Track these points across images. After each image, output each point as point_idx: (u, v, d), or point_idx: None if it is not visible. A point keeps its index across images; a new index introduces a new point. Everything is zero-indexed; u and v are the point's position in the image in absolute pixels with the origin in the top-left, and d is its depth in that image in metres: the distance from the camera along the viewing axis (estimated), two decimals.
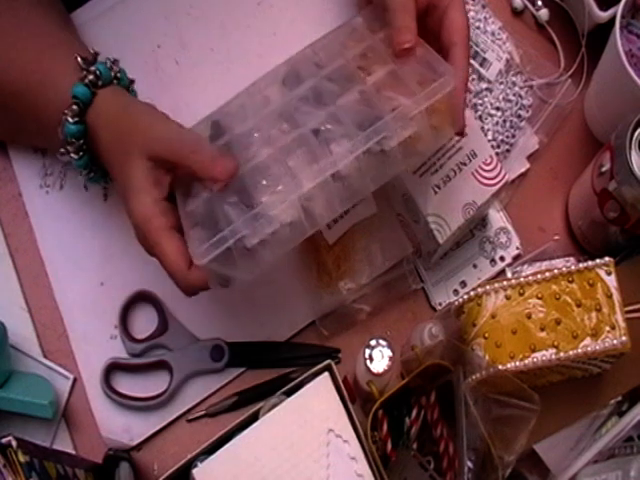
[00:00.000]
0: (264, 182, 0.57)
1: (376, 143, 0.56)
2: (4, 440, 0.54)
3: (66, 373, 0.70)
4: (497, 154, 0.69)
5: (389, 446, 0.61)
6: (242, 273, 0.58)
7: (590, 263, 0.63)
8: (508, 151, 0.75)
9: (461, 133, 0.62)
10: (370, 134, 0.55)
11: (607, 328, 0.62)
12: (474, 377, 0.61)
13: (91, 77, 0.62)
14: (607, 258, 0.63)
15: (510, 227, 0.74)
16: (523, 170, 0.76)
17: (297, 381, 0.62)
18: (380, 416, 0.61)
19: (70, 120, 0.62)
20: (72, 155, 0.64)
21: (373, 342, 0.60)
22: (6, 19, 0.66)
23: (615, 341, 0.61)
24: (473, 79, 0.75)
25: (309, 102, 0.60)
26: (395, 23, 0.60)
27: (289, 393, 0.60)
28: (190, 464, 0.60)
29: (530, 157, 0.76)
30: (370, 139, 0.55)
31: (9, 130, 0.72)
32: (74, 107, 0.61)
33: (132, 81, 0.68)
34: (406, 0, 0.60)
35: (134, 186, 0.58)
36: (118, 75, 0.65)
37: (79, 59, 0.63)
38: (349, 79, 0.60)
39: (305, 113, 0.59)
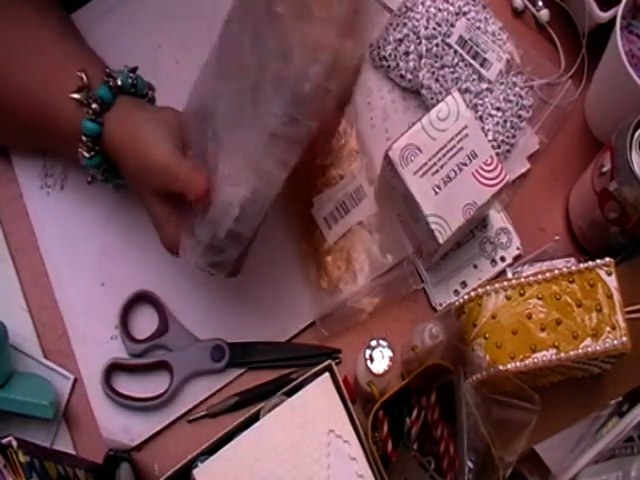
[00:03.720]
0: (219, 170, 0.58)
1: (295, 91, 0.54)
2: (4, 440, 0.54)
3: (66, 373, 0.70)
4: (497, 154, 0.69)
5: (389, 446, 0.61)
6: (233, 252, 0.60)
7: (590, 263, 0.63)
8: (508, 151, 0.75)
9: None
10: (284, 86, 0.54)
11: (607, 328, 0.62)
12: (475, 377, 0.61)
13: (94, 106, 0.62)
14: (607, 258, 0.63)
15: (510, 227, 0.74)
16: (523, 170, 0.76)
17: (298, 382, 0.62)
18: (380, 416, 0.61)
19: (86, 155, 0.63)
20: (98, 177, 0.66)
21: (373, 342, 0.60)
22: (16, 36, 0.66)
23: (615, 341, 0.61)
24: (473, 79, 0.75)
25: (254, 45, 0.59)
26: None
27: (290, 394, 0.60)
28: (191, 464, 0.61)
29: (530, 157, 0.76)
30: (286, 91, 0.54)
31: (27, 140, 0.73)
32: (86, 141, 0.63)
33: (133, 69, 0.67)
34: None
35: (155, 222, 0.64)
36: (119, 84, 0.64)
37: (76, 96, 0.63)
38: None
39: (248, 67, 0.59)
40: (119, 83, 0.64)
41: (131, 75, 0.66)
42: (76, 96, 0.63)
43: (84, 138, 0.63)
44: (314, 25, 0.55)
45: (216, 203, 0.57)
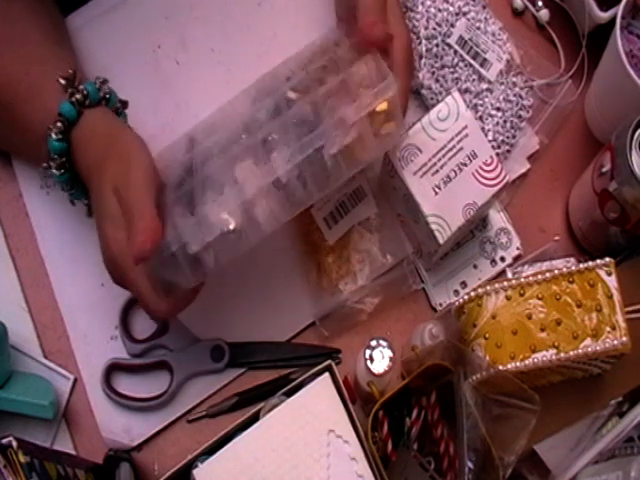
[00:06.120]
0: (209, 191, 0.58)
1: (315, 151, 0.55)
2: (4, 440, 0.54)
3: (66, 373, 0.70)
4: (497, 154, 0.69)
5: (390, 446, 0.61)
6: (188, 278, 0.58)
7: (590, 264, 0.63)
8: (509, 151, 0.75)
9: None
10: (307, 142, 0.55)
11: (607, 329, 0.62)
12: (474, 377, 0.61)
13: (78, 96, 0.62)
14: (607, 259, 0.63)
15: (510, 227, 0.74)
16: (524, 170, 0.76)
17: (297, 382, 0.62)
18: (380, 416, 0.61)
19: (54, 137, 0.62)
20: (54, 170, 0.64)
21: (373, 342, 0.60)
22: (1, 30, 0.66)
23: (615, 342, 0.61)
24: (473, 80, 0.75)
25: (268, 114, 0.61)
26: (363, 19, 0.60)
27: (289, 394, 0.60)
28: (190, 464, 0.60)
29: (530, 157, 0.76)
30: (308, 147, 0.55)
31: None
32: (59, 124, 0.62)
33: (124, 103, 0.67)
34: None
35: (107, 217, 0.59)
36: (107, 96, 0.64)
37: (61, 80, 0.62)
38: (305, 91, 0.61)
39: (261, 124, 0.60)
40: (107, 96, 0.64)
41: (119, 104, 0.66)
42: (62, 81, 0.62)
43: (58, 118, 0.61)
44: (348, 105, 0.56)
45: (201, 219, 0.56)
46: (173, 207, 0.59)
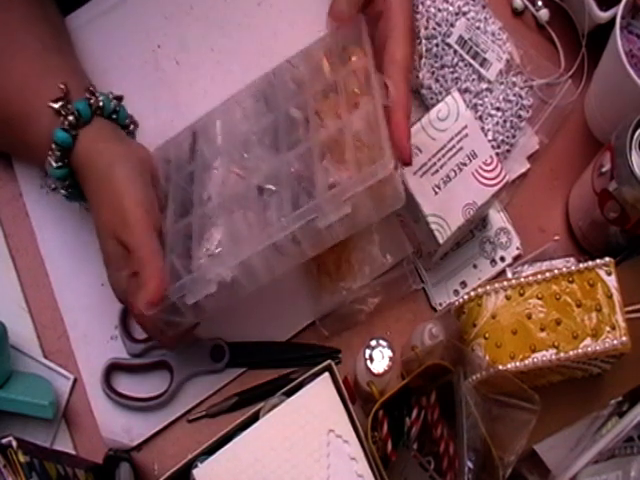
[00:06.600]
0: (206, 242, 0.60)
1: (309, 220, 0.56)
2: (4, 440, 0.54)
3: (66, 373, 0.70)
4: (497, 154, 0.69)
5: (389, 446, 0.61)
6: (190, 319, 0.62)
7: (590, 263, 0.63)
8: (508, 151, 0.75)
9: (408, 163, 0.59)
10: (302, 214, 0.56)
11: (607, 328, 0.62)
12: (474, 377, 0.61)
13: (70, 118, 0.62)
14: (607, 258, 0.63)
15: (510, 227, 0.74)
16: (523, 170, 0.76)
17: (297, 381, 0.62)
18: (380, 416, 0.61)
19: (54, 165, 0.63)
20: (61, 191, 0.66)
21: (373, 342, 0.60)
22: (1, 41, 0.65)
23: (615, 341, 0.61)
24: (473, 79, 0.75)
25: (264, 144, 0.62)
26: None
27: (289, 393, 0.60)
28: (190, 464, 0.60)
29: (530, 157, 0.76)
30: (301, 218, 0.56)
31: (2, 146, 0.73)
32: (57, 153, 0.62)
33: (118, 98, 0.67)
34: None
35: (107, 259, 0.63)
36: (100, 104, 0.64)
37: (54, 105, 0.62)
38: (304, 124, 0.61)
39: (258, 158, 0.61)
40: (100, 104, 0.64)
41: (115, 101, 0.66)
42: (54, 105, 0.62)
43: (54, 147, 0.62)
44: (343, 171, 0.56)
45: (198, 277, 0.58)
46: (172, 242, 0.61)
